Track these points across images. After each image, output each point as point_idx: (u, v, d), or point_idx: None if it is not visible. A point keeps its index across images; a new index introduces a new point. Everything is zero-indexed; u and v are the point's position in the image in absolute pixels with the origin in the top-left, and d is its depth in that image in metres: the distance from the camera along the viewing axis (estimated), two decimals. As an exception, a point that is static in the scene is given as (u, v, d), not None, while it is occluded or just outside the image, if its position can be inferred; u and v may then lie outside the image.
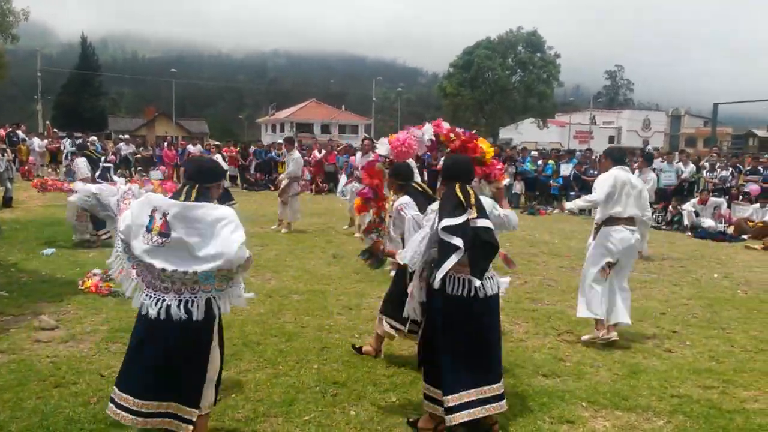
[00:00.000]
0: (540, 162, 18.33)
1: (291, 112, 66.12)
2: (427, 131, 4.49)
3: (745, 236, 12.42)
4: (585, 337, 5.38)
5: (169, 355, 3.01)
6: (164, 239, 2.96)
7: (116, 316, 5.61)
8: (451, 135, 4.43)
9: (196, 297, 3.00)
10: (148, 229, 2.99)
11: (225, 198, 11.94)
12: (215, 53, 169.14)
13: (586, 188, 16.73)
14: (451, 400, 3.39)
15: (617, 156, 5.62)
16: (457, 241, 3.29)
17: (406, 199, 4.31)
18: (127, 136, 25.55)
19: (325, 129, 61.88)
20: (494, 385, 3.50)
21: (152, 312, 2.99)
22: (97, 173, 9.46)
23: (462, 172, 3.66)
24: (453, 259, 3.31)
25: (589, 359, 4.93)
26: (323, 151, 20.86)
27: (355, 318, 5.84)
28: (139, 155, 22.61)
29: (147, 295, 3.06)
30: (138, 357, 3.09)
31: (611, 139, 58.32)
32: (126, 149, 22.17)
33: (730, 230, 12.90)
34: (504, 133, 54.57)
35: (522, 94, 51.06)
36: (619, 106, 77.97)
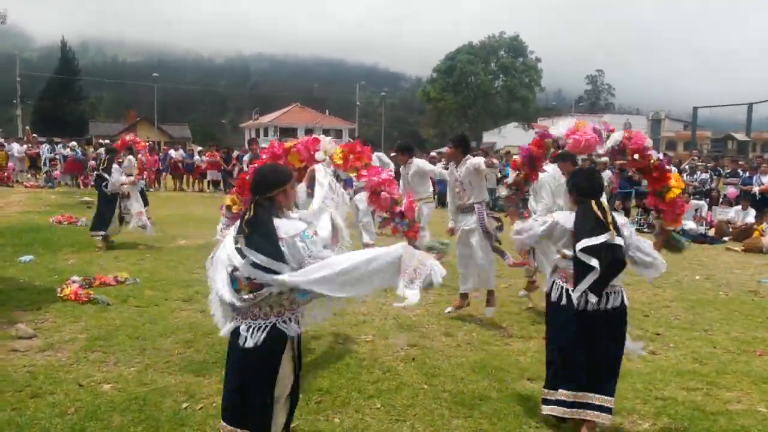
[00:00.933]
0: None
1: (274, 117, 65.86)
2: (615, 138, 4.06)
3: (726, 238, 12.56)
4: None
5: None
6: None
7: (96, 324, 5.51)
8: (638, 156, 4.00)
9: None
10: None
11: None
12: (197, 57, 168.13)
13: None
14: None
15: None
16: (595, 263, 3.36)
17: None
18: (107, 141, 25.21)
19: (309, 133, 61.58)
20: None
21: None
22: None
23: (597, 188, 3.61)
24: (589, 280, 3.39)
25: (573, 362, 4.93)
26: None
27: (339, 323, 5.78)
28: (121, 160, 22.34)
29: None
30: None
31: (593, 143, 58.79)
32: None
33: (711, 232, 13.05)
34: (487, 137, 54.83)
35: (505, 98, 51.43)
36: (600, 110, 78.68)
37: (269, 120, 65.12)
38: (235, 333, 2.83)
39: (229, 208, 4.31)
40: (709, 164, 17.87)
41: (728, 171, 16.01)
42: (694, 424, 3.84)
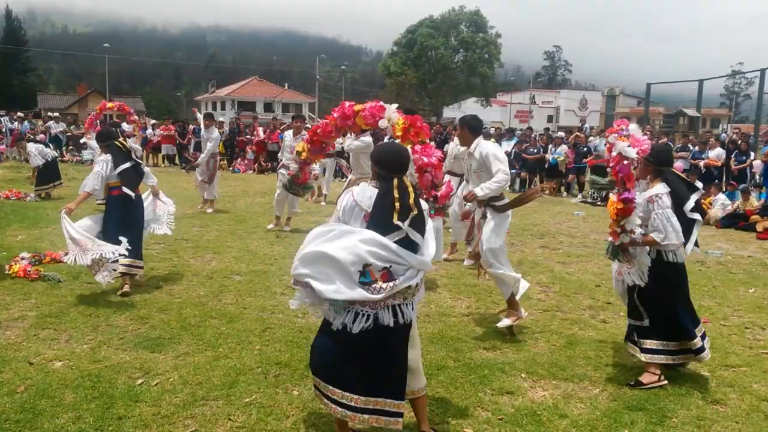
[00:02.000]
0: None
1: (232, 90, 64.49)
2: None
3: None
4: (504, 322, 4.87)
5: None
6: None
7: (46, 301, 5.36)
8: None
9: None
10: None
11: (49, 177, 12.12)
12: (150, 28, 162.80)
13: (527, 167, 17.10)
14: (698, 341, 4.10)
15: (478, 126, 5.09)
16: (697, 216, 4.03)
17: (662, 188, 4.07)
18: (57, 115, 24.31)
19: (268, 107, 60.67)
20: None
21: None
22: None
23: (672, 158, 4.33)
24: (696, 232, 4.06)
25: (528, 331, 5.05)
26: (266, 130, 20.45)
27: (298, 297, 5.77)
28: (70, 134, 21.61)
29: None
30: None
31: (550, 118, 59.65)
32: (56, 128, 21.12)
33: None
34: (447, 113, 54.94)
35: (464, 73, 51.49)
36: (557, 86, 79.73)
37: (226, 93, 63.77)
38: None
39: (299, 153, 4.39)
40: (661, 139, 18.34)
41: (679, 146, 16.45)
42: (643, 389, 3.99)
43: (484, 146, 4.83)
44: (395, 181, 2.92)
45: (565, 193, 16.60)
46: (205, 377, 3.93)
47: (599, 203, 14.30)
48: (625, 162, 3.88)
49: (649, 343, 4.11)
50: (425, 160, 4.08)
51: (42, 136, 20.34)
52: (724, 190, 12.93)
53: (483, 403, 3.73)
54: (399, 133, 4.18)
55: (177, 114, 52.96)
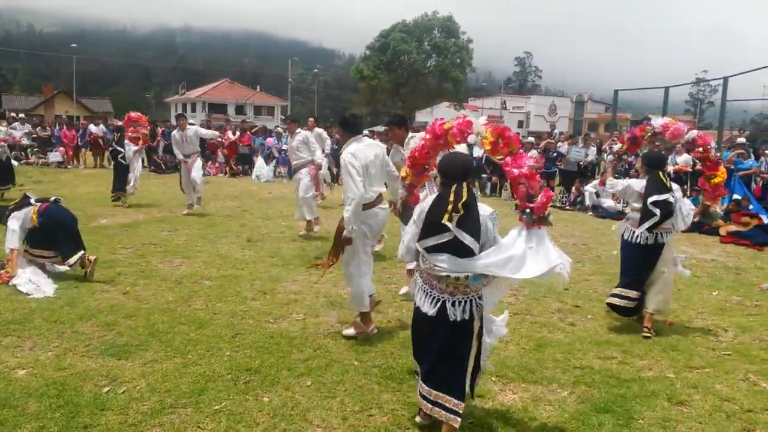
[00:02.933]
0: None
1: (203, 92, 63.76)
2: (692, 134, 5.75)
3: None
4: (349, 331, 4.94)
5: None
6: None
7: (9, 307, 5.24)
8: (702, 149, 5.77)
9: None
10: None
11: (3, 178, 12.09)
12: (119, 28, 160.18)
13: (497, 170, 17.24)
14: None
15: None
16: (657, 212, 5.13)
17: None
18: (22, 116, 23.75)
19: (240, 110, 60.19)
20: None
21: None
22: None
23: (663, 162, 5.61)
24: (648, 224, 5.20)
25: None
26: (237, 133, 20.28)
27: (269, 303, 5.74)
28: (35, 135, 21.11)
29: None
30: None
31: (520, 124, 60.35)
32: (21, 129, 20.63)
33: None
34: (420, 117, 55.21)
35: (437, 78, 51.83)
36: (528, 92, 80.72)
37: (197, 95, 63.08)
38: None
39: (404, 178, 4.56)
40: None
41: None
42: (609, 391, 4.06)
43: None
44: (454, 187, 3.18)
45: (535, 198, 16.80)
46: (174, 384, 3.87)
47: (567, 207, 14.52)
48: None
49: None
50: (516, 171, 3.98)
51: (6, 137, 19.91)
52: (688, 195, 13.24)
53: (454, 407, 3.74)
54: (488, 147, 4.20)
55: (146, 116, 52.14)
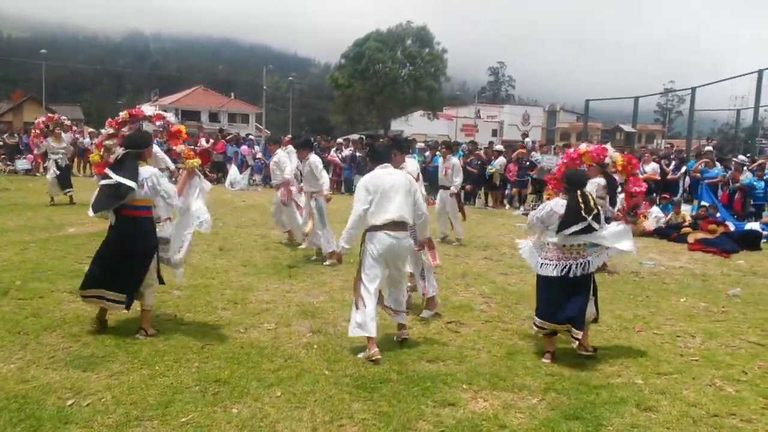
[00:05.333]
0: (428, 153, 18.75)
1: (176, 99, 63.10)
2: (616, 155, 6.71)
3: (612, 223, 13.42)
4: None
5: None
6: None
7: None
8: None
9: None
10: None
11: None
12: (90, 35, 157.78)
13: (471, 179, 17.38)
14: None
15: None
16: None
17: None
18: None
19: (214, 117, 59.69)
20: None
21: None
22: None
23: (582, 182, 4.94)
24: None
25: (470, 342, 5.11)
26: (210, 140, 20.10)
27: (240, 313, 5.67)
28: (2, 143, 20.67)
29: None
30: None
31: (494, 132, 60.89)
32: (-13, 136, 20.21)
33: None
34: (395, 125, 55.39)
35: (411, 87, 52.01)
36: (501, 101, 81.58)
37: (170, 102, 62.37)
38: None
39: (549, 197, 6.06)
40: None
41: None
42: (579, 398, 4.09)
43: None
44: (578, 192, 4.69)
45: (507, 206, 16.96)
46: (140, 396, 3.79)
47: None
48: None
49: None
50: (637, 189, 5.89)
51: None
52: (657, 203, 13.47)
53: (425, 415, 3.74)
54: (620, 168, 5.90)
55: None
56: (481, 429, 3.60)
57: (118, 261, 4.83)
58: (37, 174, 19.28)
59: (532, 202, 15.85)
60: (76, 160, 20.32)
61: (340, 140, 22.21)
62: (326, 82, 59.16)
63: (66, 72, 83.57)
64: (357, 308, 4.75)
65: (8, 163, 19.75)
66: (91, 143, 20.10)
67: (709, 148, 16.34)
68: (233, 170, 19.86)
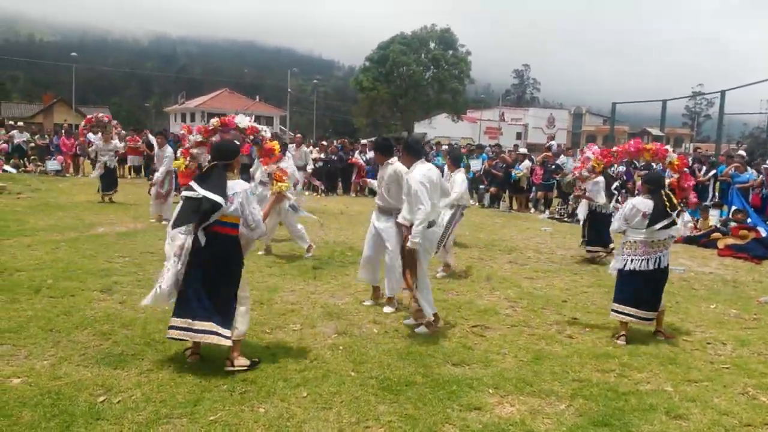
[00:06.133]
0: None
1: (202, 102, 63.95)
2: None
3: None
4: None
5: None
6: None
7: (5, 315, 5.20)
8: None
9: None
10: None
11: None
12: (120, 38, 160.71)
13: (496, 182, 17.28)
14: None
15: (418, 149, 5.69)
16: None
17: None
18: (21, 124, 23.78)
19: (239, 120, 60.25)
20: None
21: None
22: None
23: (663, 182, 5.85)
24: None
25: (496, 347, 5.08)
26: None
27: (266, 313, 5.72)
28: (33, 144, 21.12)
29: None
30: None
31: (519, 135, 60.54)
32: (19, 137, 20.66)
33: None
34: (418, 128, 55.37)
35: (435, 89, 52.01)
36: (526, 104, 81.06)
37: (196, 105, 63.29)
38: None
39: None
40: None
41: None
42: (607, 404, 4.04)
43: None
44: (662, 192, 5.39)
45: (532, 210, 16.82)
46: (169, 394, 3.84)
47: (566, 219, 14.52)
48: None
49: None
50: (686, 185, 6.37)
51: (4, 145, 19.93)
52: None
53: (451, 419, 3.72)
54: (675, 168, 6.43)
55: (146, 125, 52.24)
56: (507, 434, 3.58)
57: (214, 285, 4.29)
58: (67, 174, 19.68)
59: (557, 206, 15.70)
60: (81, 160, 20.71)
61: (363, 142, 22.28)
62: (350, 84, 59.44)
63: (95, 75, 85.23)
64: (421, 291, 5.29)
65: (39, 163, 20.17)
66: (124, 145, 20.47)
67: (742, 152, 16.02)
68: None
